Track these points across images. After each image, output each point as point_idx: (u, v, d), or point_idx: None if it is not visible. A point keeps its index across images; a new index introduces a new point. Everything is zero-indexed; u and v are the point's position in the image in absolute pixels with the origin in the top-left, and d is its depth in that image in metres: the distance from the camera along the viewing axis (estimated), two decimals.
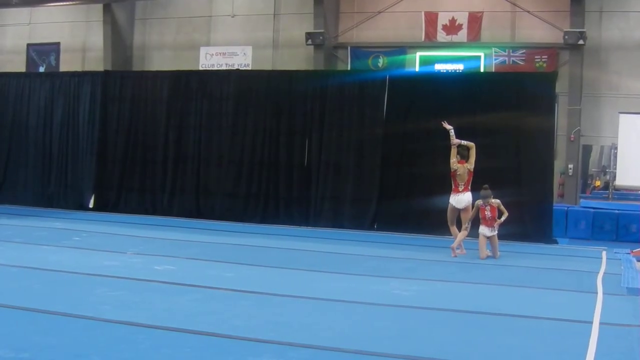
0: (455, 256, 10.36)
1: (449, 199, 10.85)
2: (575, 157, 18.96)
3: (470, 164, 10.73)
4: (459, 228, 10.77)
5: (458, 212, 10.77)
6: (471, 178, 10.73)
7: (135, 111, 15.84)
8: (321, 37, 20.13)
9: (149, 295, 6.74)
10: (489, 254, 10.42)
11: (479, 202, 10.36)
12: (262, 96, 14.91)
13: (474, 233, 10.67)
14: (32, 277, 7.49)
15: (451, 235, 10.96)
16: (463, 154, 10.77)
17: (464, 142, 10.78)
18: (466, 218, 10.59)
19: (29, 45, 24.27)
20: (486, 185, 10.38)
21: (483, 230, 10.36)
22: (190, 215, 15.01)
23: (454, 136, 10.85)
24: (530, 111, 13.04)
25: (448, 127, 10.94)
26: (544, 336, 5.67)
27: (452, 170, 10.79)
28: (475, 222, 10.54)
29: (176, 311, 6.04)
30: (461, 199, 10.66)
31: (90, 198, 16.06)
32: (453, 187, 10.79)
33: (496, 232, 10.36)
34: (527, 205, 12.84)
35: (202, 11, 22.45)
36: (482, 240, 10.38)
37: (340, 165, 14.26)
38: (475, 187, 10.62)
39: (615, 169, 17.44)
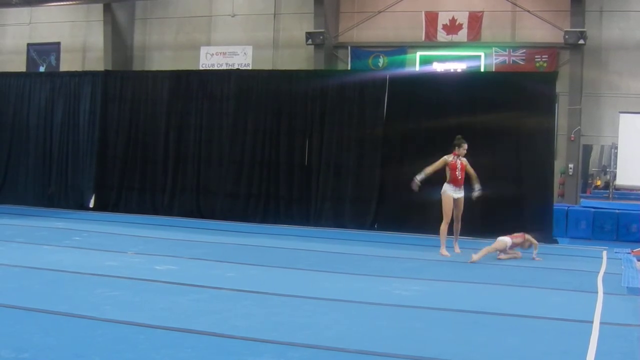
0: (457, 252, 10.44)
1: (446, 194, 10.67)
2: (575, 156, 18.97)
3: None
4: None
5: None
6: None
7: (135, 111, 15.85)
8: (321, 37, 20.13)
9: (150, 295, 6.74)
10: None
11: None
12: (262, 96, 14.91)
13: (470, 232, 10.69)
14: (33, 276, 7.50)
15: (452, 235, 10.89)
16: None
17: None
18: (460, 209, 10.63)
19: (29, 45, 24.28)
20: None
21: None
22: (190, 215, 15.03)
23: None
24: (530, 111, 13.04)
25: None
26: (544, 336, 5.67)
27: (450, 162, 10.62)
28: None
29: (177, 311, 6.04)
30: (460, 189, 10.66)
31: (90, 198, 16.08)
32: (451, 178, 10.60)
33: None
34: (527, 205, 12.87)
35: (203, 11, 22.46)
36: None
37: (341, 165, 14.26)
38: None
39: (616, 168, 17.45)
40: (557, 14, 19.05)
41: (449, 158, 10.62)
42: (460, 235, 11.03)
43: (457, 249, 10.74)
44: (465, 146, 10.65)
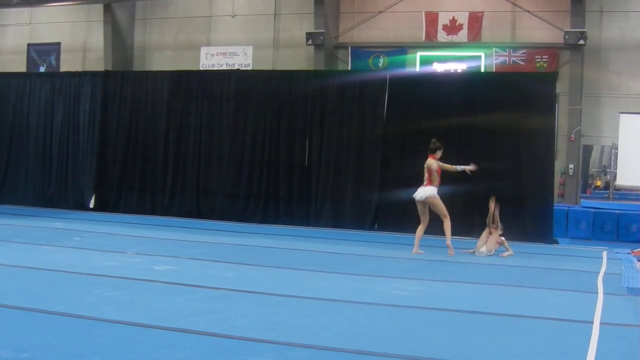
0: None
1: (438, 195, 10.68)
2: (575, 157, 18.97)
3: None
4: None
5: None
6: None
7: (135, 111, 15.86)
8: (322, 37, 20.14)
9: (149, 295, 6.74)
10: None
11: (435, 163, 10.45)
12: (262, 96, 14.92)
13: (469, 232, 10.68)
14: (32, 277, 7.49)
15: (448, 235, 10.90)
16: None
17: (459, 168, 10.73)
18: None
19: (29, 45, 24.29)
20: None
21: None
22: (190, 215, 15.03)
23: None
24: (530, 111, 13.05)
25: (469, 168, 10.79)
26: (544, 336, 5.66)
27: (437, 167, 10.61)
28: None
29: (176, 311, 6.03)
30: None
31: (90, 198, 16.08)
32: (439, 182, 10.61)
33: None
34: (527, 205, 12.86)
35: (203, 11, 22.47)
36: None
37: (341, 165, 14.27)
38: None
39: (616, 168, 17.46)
40: (557, 14, 19.05)
41: (435, 163, 10.59)
42: (460, 234, 11.04)
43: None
44: (442, 148, 10.64)
